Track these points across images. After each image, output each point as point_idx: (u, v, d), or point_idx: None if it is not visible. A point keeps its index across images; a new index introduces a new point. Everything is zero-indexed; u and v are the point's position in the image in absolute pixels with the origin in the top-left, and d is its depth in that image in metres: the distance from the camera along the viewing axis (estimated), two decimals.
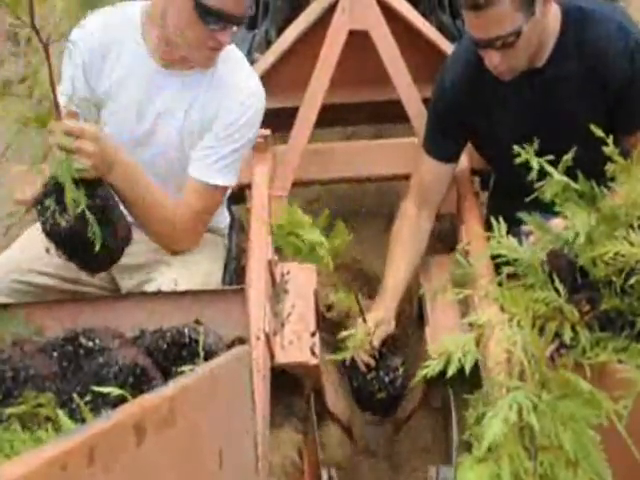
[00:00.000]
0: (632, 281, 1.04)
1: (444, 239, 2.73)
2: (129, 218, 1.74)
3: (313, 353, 1.98)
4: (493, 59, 1.94)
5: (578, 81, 2.02)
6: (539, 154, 1.23)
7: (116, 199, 1.64)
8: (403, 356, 2.22)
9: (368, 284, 2.73)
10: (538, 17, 1.89)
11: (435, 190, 2.31)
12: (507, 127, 2.13)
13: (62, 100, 1.87)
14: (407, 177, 2.72)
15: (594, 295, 1.16)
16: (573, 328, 1.06)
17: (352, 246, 2.81)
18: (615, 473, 0.91)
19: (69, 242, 1.54)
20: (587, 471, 0.88)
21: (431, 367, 1.01)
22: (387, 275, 2.25)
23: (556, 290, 1.11)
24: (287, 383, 2.07)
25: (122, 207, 1.70)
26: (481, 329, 1.06)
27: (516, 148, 1.18)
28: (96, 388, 0.95)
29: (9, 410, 0.96)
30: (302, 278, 2.20)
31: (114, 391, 0.88)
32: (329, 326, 2.41)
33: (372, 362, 2.16)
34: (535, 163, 1.12)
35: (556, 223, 1.40)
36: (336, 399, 2.31)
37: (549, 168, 1.13)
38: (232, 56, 2.00)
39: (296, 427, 2.05)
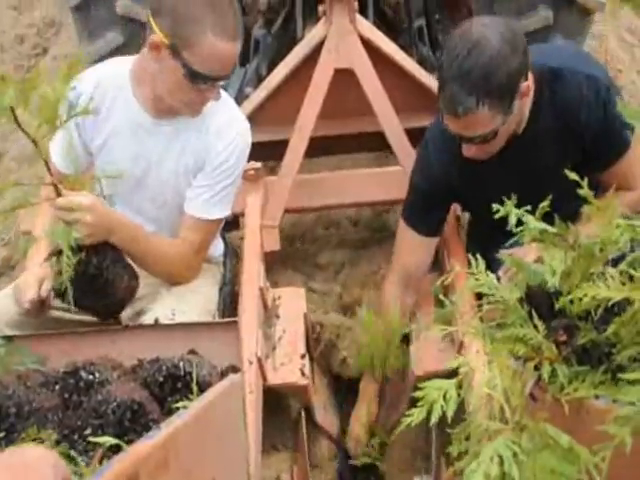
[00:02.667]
0: (610, 329, 1.03)
1: None
2: None
3: (303, 374, 1.99)
4: (470, 151, 1.91)
5: (555, 135, 1.98)
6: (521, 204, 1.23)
7: (119, 258, 1.70)
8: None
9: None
10: (516, 112, 1.85)
11: (420, 267, 2.23)
12: (491, 187, 2.04)
13: (55, 158, 1.92)
14: (393, 203, 2.77)
15: (570, 323, 1.16)
16: (551, 364, 1.05)
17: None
18: None
19: (69, 299, 1.60)
20: None
21: (415, 414, 1.01)
22: None
23: (535, 327, 1.10)
24: (278, 402, 2.08)
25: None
26: (465, 369, 1.06)
27: (495, 206, 1.18)
28: (93, 439, 0.95)
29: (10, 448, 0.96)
30: (292, 303, 2.22)
31: (109, 440, 0.88)
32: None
33: None
34: (514, 216, 1.13)
35: (528, 251, 1.40)
36: (325, 414, 2.32)
37: (527, 216, 1.14)
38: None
39: (286, 444, 2.06)
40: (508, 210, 1.14)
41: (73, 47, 4.58)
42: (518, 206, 1.18)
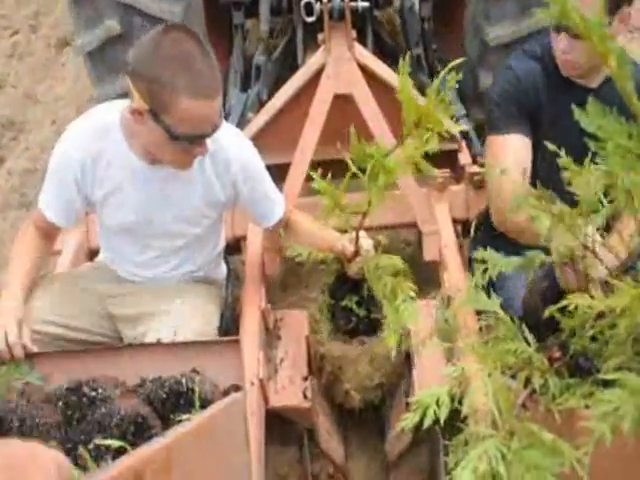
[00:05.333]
0: (591, 332, 1.06)
1: (429, 283, 2.75)
2: None
3: (305, 397, 1.99)
4: (561, 44, 1.99)
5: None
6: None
7: None
8: None
9: None
10: (613, 29, 1.92)
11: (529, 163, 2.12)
12: (550, 131, 2.09)
13: (47, 207, 1.95)
14: (390, 227, 2.78)
15: (565, 341, 1.18)
16: (542, 375, 1.08)
17: None
18: None
19: None
20: None
21: (409, 419, 1.03)
22: None
23: (526, 340, 1.13)
24: (281, 425, 2.08)
25: None
26: (460, 378, 1.08)
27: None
28: (98, 442, 0.96)
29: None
30: (294, 325, 2.22)
31: (114, 443, 0.89)
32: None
33: None
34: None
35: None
36: (329, 439, 2.31)
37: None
38: None
39: (290, 467, 2.05)
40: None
41: (31, 160, 4.08)
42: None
